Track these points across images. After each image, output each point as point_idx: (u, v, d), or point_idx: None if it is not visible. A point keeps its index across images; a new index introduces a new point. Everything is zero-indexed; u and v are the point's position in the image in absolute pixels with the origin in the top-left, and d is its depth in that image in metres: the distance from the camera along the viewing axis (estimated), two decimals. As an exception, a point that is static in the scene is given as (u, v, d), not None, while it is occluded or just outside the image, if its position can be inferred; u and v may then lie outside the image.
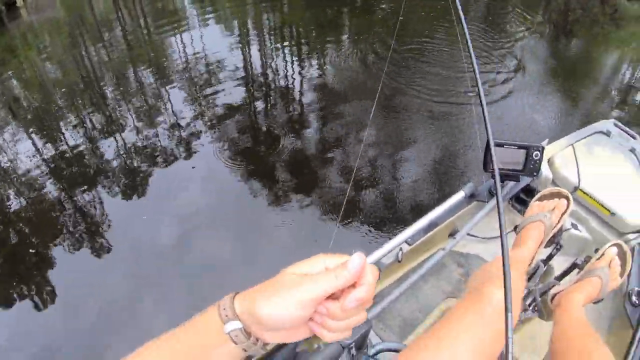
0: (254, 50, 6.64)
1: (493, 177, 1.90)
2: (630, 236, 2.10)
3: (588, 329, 1.35)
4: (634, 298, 1.75)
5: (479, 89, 1.09)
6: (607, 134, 2.52)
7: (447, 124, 4.94)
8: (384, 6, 8.11)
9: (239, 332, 0.58)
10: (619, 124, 2.65)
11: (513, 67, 6.18)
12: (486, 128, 1.09)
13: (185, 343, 0.59)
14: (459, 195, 1.93)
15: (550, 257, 1.81)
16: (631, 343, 1.57)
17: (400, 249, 1.77)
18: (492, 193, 2.04)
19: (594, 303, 1.61)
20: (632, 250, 1.97)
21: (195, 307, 0.63)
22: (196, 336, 0.60)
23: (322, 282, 0.55)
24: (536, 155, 1.79)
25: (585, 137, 2.49)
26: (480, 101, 1.10)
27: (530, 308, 1.78)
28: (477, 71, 1.15)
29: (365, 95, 5.04)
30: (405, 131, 4.73)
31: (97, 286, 3.40)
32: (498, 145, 1.75)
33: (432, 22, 7.39)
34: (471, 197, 2.03)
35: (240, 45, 6.57)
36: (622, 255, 1.69)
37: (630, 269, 1.80)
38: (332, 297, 0.58)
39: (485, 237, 2.18)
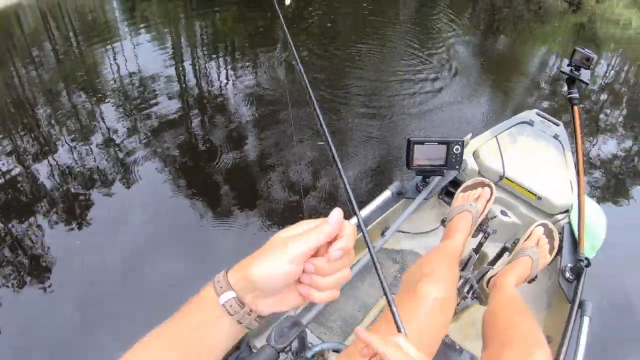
0: (187, 63, 6.45)
1: (417, 173, 1.95)
2: (559, 217, 2.20)
3: (518, 305, 1.40)
4: (567, 274, 1.82)
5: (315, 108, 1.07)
6: (531, 123, 2.60)
7: (376, 126, 4.93)
8: (315, 16, 8.12)
9: (233, 302, 0.61)
10: (542, 112, 2.74)
11: (443, 67, 6.27)
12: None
13: (186, 323, 0.62)
14: (386, 194, 1.97)
15: (480, 244, 1.87)
16: (569, 316, 1.62)
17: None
18: (418, 189, 2.06)
19: (529, 282, 1.71)
20: (562, 229, 2.08)
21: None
22: (195, 314, 0.62)
23: (308, 237, 0.60)
24: (457, 150, 1.85)
25: (508, 128, 2.55)
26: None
27: (470, 295, 1.87)
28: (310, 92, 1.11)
29: (295, 105, 4.98)
30: (337, 134, 4.68)
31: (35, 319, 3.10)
32: (419, 142, 1.80)
33: (361, 29, 7.44)
34: (399, 194, 2.05)
35: (174, 59, 6.37)
36: (548, 233, 1.79)
37: (562, 247, 1.94)
38: (317, 255, 0.63)
39: (417, 233, 2.24)
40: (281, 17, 1.42)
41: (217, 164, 4.26)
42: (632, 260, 3.63)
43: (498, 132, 2.52)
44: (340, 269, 0.64)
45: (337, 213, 0.62)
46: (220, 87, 5.74)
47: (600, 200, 4.47)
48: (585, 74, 1.87)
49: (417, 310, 1.15)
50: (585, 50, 1.80)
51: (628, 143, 6.30)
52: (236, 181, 4.14)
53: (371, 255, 0.88)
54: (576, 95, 1.88)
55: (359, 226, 1.31)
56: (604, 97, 8.16)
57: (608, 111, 7.49)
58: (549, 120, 2.66)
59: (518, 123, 2.61)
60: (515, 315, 1.34)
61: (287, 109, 4.72)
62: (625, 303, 3.32)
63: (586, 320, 1.64)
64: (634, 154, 5.97)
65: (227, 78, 5.96)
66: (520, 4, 12.11)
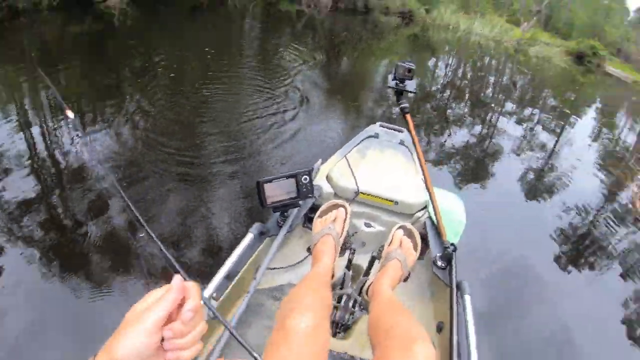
0: (36, 131, 5.77)
1: (274, 210, 2.00)
2: (419, 214, 2.31)
3: (395, 305, 1.46)
4: (439, 262, 1.94)
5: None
6: (376, 136, 2.71)
7: (240, 170, 4.82)
8: (158, 67, 7.89)
9: None
10: (385, 124, 2.86)
11: (291, 98, 6.35)
12: None
13: None
14: (248, 237, 1.96)
15: (350, 261, 1.92)
16: (451, 298, 1.75)
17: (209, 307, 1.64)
18: (279, 224, 2.08)
19: (404, 281, 1.75)
20: (424, 224, 2.21)
21: None
22: None
23: (157, 307, 0.65)
24: (305, 179, 1.90)
25: (356, 145, 2.64)
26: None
27: (356, 309, 1.93)
28: None
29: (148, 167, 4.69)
30: (201, 188, 4.47)
31: None
32: (267, 181, 1.84)
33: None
34: (262, 234, 2.05)
35: (20, 129, 5.70)
36: (408, 233, 1.86)
37: (428, 240, 2.07)
38: (171, 320, 0.67)
39: (289, 265, 2.26)
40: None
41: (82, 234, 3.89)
42: (495, 233, 3.93)
43: (347, 151, 2.58)
44: (196, 326, 0.70)
45: (177, 279, 0.68)
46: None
47: (459, 186, 4.70)
48: (410, 84, 1.97)
49: (290, 344, 1.18)
50: (406, 63, 1.92)
51: (476, 129, 6.83)
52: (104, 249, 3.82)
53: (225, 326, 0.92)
54: (406, 105, 1.98)
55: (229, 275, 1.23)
56: (447, 93, 8.89)
57: (453, 104, 8.12)
58: (393, 129, 2.79)
59: (364, 138, 2.70)
60: (394, 316, 1.38)
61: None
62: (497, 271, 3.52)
63: (467, 298, 1.76)
64: (481, 140, 6.47)
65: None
66: (357, 26, 12.90)
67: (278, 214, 2.09)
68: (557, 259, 3.89)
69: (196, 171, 4.50)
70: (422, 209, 2.31)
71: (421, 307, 2.10)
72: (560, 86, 15.28)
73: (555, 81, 15.71)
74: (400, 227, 1.89)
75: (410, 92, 1.98)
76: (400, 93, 1.99)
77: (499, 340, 2.85)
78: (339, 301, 1.91)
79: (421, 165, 2.10)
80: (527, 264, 3.69)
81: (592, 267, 3.96)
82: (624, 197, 5.51)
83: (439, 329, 1.87)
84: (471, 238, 3.60)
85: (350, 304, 1.90)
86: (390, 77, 1.99)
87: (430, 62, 11.58)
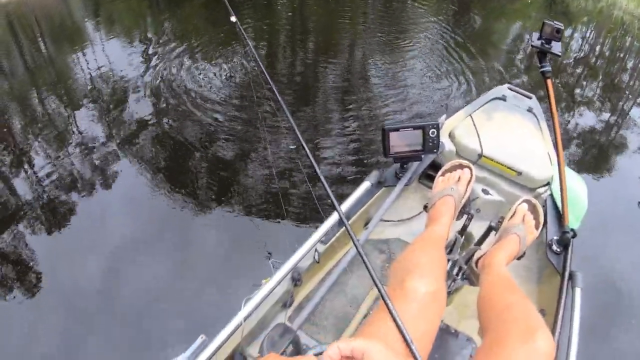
0: (154, 59, 6.43)
1: (395, 160, 1.98)
2: (541, 190, 2.23)
3: (509, 284, 1.42)
4: (554, 247, 1.88)
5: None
6: (503, 98, 2.62)
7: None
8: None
9: None
10: (513, 87, 2.76)
11: (421, 48, 6.41)
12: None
13: None
14: (365, 185, 1.94)
15: (465, 227, 1.89)
16: (560, 289, 1.67)
17: (316, 250, 1.77)
18: (398, 176, 2.08)
19: (518, 259, 1.70)
20: (544, 202, 2.11)
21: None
22: None
23: None
24: (432, 133, 1.86)
25: (482, 106, 2.57)
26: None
27: (459, 277, 1.86)
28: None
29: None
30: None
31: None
32: (393, 130, 1.82)
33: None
34: (379, 184, 2.06)
35: (142, 58, 6.36)
36: (533, 208, 1.78)
37: (546, 220, 1.94)
38: None
39: (401, 220, 2.26)
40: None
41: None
42: (615, 227, 3.88)
43: (472, 110, 2.53)
44: None
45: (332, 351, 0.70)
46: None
47: (579, 170, 4.63)
48: (556, 46, 1.87)
49: (408, 305, 1.13)
50: (555, 22, 1.82)
51: (604, 115, 6.55)
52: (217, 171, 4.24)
53: (357, 248, 0.88)
54: (548, 68, 1.91)
55: (341, 221, 1.33)
56: (579, 70, 8.44)
57: (584, 83, 7.76)
58: (522, 94, 2.69)
59: (491, 99, 2.62)
60: (510, 296, 1.34)
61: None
62: (612, 270, 3.46)
63: (578, 291, 1.67)
64: (610, 125, 6.22)
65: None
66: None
67: (397, 165, 2.08)
68: None
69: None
70: (545, 185, 2.23)
71: (526, 289, 2.01)
72: None
73: None
74: (525, 201, 1.82)
75: (556, 54, 1.88)
76: (544, 54, 1.91)
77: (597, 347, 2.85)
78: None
79: (556, 138, 2.03)
80: None
81: None
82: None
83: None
84: (591, 227, 3.58)
85: (455, 271, 1.85)
86: (535, 35, 1.90)
87: (566, 33, 10.91)
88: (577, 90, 7.18)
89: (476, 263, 1.73)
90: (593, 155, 5.22)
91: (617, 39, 13.38)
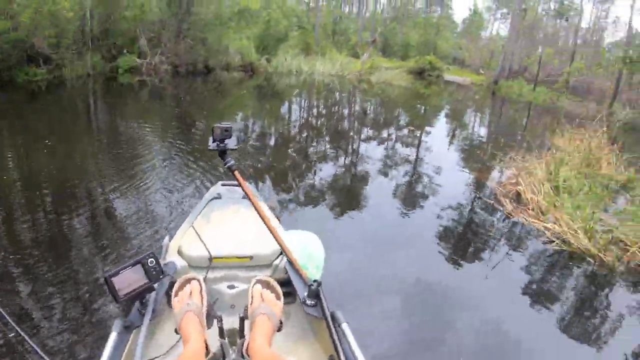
0: None
1: (129, 302, 1.95)
2: (277, 261, 2.41)
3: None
4: (307, 302, 2.02)
5: None
6: (219, 197, 2.86)
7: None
8: None
9: None
10: (226, 182, 3.02)
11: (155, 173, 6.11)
12: None
13: None
14: (112, 337, 1.88)
15: (221, 329, 1.92)
16: (330, 331, 1.82)
17: None
18: (142, 313, 2.05)
19: (278, 331, 1.78)
20: (285, 268, 2.30)
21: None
22: None
23: None
24: (152, 262, 1.93)
25: (201, 211, 2.73)
26: None
27: None
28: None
29: None
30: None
31: None
32: (114, 275, 1.83)
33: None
34: (127, 328, 2.00)
35: None
36: (267, 285, 1.91)
37: (293, 283, 2.14)
38: None
39: (168, 351, 2.16)
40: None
41: None
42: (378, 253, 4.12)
43: (192, 219, 2.65)
44: None
45: None
46: None
47: (334, 218, 4.74)
48: (231, 142, 2.06)
49: None
50: (222, 124, 2.02)
51: (340, 161, 7.09)
52: None
53: None
54: (232, 162, 2.07)
55: None
56: (305, 134, 9.20)
57: (314, 143, 8.41)
58: (234, 185, 2.90)
59: (208, 202, 2.81)
60: None
61: None
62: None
63: (345, 326, 1.85)
64: (347, 169, 6.72)
65: None
66: (200, 87, 13.03)
67: (138, 302, 2.07)
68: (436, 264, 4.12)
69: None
70: (280, 255, 2.39)
71: (309, 346, 2.15)
72: (408, 102, 17.02)
73: (402, 99, 17.36)
74: (257, 282, 1.92)
75: (232, 149, 2.07)
76: (223, 152, 2.08)
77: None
78: None
79: (261, 217, 2.16)
80: (410, 276, 3.85)
81: (474, 262, 4.24)
82: (488, 193, 6.04)
83: None
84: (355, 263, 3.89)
85: None
86: (210, 140, 2.07)
87: (283, 109, 12.02)
88: (311, 150, 7.67)
89: (248, 353, 1.74)
90: (344, 196, 5.38)
91: (326, 97, 15.38)
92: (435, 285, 3.79)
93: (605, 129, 7.73)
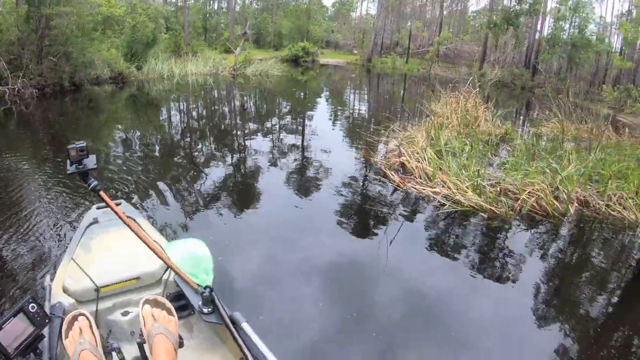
0: None
1: (20, 355, 1.78)
2: (165, 276, 2.37)
3: None
4: (204, 310, 2.00)
5: None
6: (96, 221, 2.72)
7: None
8: None
9: None
10: (100, 204, 2.88)
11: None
12: None
13: None
14: None
15: (122, 359, 1.88)
16: (233, 336, 1.82)
17: None
18: None
19: (181, 347, 1.77)
20: (175, 281, 2.26)
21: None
22: None
23: None
24: (33, 308, 1.78)
25: (78, 241, 2.58)
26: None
27: None
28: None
29: None
30: None
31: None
32: None
33: None
34: None
35: None
36: (155, 303, 1.89)
37: (186, 295, 2.11)
38: None
39: None
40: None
41: None
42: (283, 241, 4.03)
43: (72, 252, 2.50)
44: None
45: None
46: None
47: (237, 218, 4.57)
48: (89, 161, 1.92)
49: None
50: (76, 144, 1.88)
51: (229, 160, 6.77)
52: None
53: None
54: (95, 183, 1.91)
55: None
56: (188, 139, 8.74)
57: (199, 147, 7.99)
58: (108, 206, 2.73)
59: (85, 229, 2.66)
60: None
61: None
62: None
63: (245, 325, 1.84)
64: (237, 167, 6.43)
65: None
66: (71, 107, 12.08)
67: (32, 355, 1.88)
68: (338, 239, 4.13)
69: None
70: (167, 269, 2.34)
71: (218, 354, 2.12)
72: (287, 90, 17.17)
73: (280, 88, 17.41)
74: (145, 302, 1.90)
75: (92, 169, 1.93)
76: (85, 174, 1.93)
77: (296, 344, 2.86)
78: None
79: (137, 235, 2.04)
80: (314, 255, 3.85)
81: (372, 234, 4.26)
82: (375, 168, 6.11)
83: None
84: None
85: None
86: (68, 164, 1.92)
87: (161, 116, 11.44)
88: (196, 155, 7.26)
89: None
90: (239, 195, 5.16)
91: (204, 97, 14.94)
92: (343, 263, 3.79)
93: (478, 89, 8.10)
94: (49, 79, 12.58)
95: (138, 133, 9.11)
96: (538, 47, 19.71)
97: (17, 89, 11.60)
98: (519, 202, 4.51)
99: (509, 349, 2.79)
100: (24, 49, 12.35)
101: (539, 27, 21.62)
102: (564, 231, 4.27)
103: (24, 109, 10.78)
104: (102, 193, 1.97)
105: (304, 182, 5.82)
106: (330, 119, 10.64)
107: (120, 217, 2.02)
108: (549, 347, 2.77)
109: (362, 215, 4.69)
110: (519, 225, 4.30)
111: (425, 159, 5.54)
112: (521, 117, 10.73)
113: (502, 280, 3.50)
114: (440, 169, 5.23)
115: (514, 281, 3.48)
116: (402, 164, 5.73)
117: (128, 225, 2.04)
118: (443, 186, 4.93)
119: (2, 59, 11.70)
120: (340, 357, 2.71)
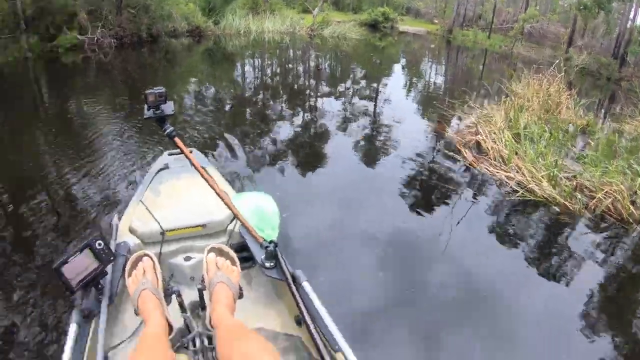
0: None
1: (82, 289, 1.86)
2: (231, 226, 2.40)
3: (240, 332, 1.50)
4: (267, 264, 2.02)
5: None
6: (166, 167, 2.83)
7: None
8: None
9: None
10: (172, 150, 3.01)
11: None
12: None
13: None
14: (73, 329, 1.78)
15: (181, 304, 1.92)
16: (292, 293, 1.84)
17: None
18: (99, 299, 1.98)
19: (240, 298, 1.81)
20: (240, 232, 2.29)
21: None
22: None
23: None
24: (100, 245, 1.87)
25: (148, 185, 2.69)
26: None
27: (214, 343, 1.82)
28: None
29: None
30: None
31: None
32: (63, 264, 1.75)
33: None
34: (86, 317, 1.91)
35: None
36: (219, 252, 1.91)
37: (249, 247, 2.13)
38: None
39: (134, 333, 2.14)
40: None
41: None
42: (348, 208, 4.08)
43: (140, 195, 2.60)
44: None
45: None
46: None
47: (301, 176, 4.75)
48: (167, 107, 1.98)
49: None
50: (155, 90, 1.94)
51: (299, 120, 6.85)
52: None
53: None
54: (171, 129, 2.01)
55: None
56: (262, 95, 8.90)
57: (271, 103, 8.12)
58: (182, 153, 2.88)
59: (155, 174, 2.77)
60: (242, 345, 1.40)
61: None
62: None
63: (306, 285, 1.88)
64: (307, 127, 6.51)
65: None
66: (149, 58, 12.45)
67: (93, 289, 1.97)
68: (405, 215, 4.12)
69: None
70: (233, 219, 2.38)
71: (274, 309, 2.17)
72: (363, 55, 16.77)
73: (357, 52, 17.04)
74: (210, 250, 1.90)
75: (169, 115, 1.99)
76: (161, 120, 1.99)
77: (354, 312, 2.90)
78: (194, 345, 1.85)
79: (208, 183, 2.09)
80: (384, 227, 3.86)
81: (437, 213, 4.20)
82: (448, 143, 5.96)
83: (299, 322, 1.93)
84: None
85: (206, 342, 1.85)
86: (145, 108, 1.98)
87: (236, 71, 11.63)
88: (269, 112, 7.40)
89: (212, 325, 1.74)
90: (307, 155, 5.24)
91: (279, 55, 14.99)
92: (403, 238, 3.80)
93: (563, 74, 7.68)
94: (127, 30, 13.02)
95: (212, 86, 9.37)
96: (629, 37, 18.31)
97: (96, 38, 12.08)
98: (595, 200, 4.28)
99: (552, 346, 2.77)
100: (104, 1, 12.82)
101: (631, 16, 20.02)
102: (634, 240, 4.02)
103: (102, 58, 11.25)
104: (177, 139, 2.04)
105: (372, 148, 5.80)
106: (405, 88, 10.45)
107: (192, 164, 2.08)
108: (593, 354, 2.73)
109: (429, 190, 4.64)
110: (587, 225, 4.11)
111: (502, 140, 5.35)
112: (602, 110, 10.13)
113: (557, 278, 3.42)
114: (517, 154, 5.04)
115: (568, 281, 3.39)
116: (478, 143, 5.57)
117: (200, 172, 2.10)
118: (517, 172, 4.76)
119: (83, 10, 12.22)
120: (392, 328, 2.76)
